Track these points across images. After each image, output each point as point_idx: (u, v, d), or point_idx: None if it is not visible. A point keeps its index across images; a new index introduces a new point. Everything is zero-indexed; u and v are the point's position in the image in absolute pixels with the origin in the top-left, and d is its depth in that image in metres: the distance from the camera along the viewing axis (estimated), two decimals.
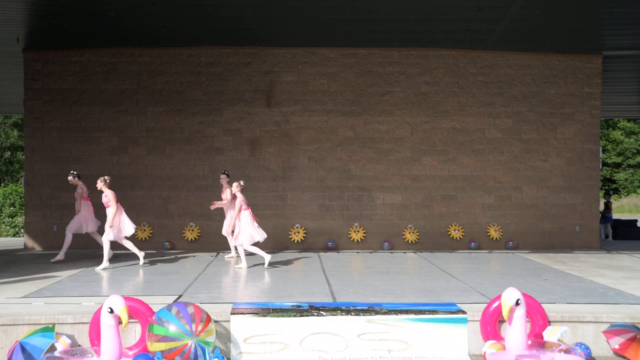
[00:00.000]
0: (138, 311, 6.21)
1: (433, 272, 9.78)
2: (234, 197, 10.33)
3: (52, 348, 6.01)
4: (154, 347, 5.86)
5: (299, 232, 13.16)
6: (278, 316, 6.41)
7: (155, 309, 6.27)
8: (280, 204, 13.28)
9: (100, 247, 10.37)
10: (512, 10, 11.35)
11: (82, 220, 10.95)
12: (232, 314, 6.42)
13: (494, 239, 13.37)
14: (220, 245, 13.10)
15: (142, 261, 10.42)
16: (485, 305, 6.72)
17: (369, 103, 13.37)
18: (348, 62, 13.37)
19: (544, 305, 6.71)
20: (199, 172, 13.21)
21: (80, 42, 12.92)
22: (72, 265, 10.26)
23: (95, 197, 11.09)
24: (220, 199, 11.38)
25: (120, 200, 13.09)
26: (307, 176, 13.30)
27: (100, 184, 10.12)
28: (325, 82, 13.32)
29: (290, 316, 6.41)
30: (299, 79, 13.31)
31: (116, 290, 7.78)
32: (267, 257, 10.10)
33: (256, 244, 10.06)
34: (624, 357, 6.36)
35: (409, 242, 13.24)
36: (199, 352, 5.85)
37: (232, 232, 10.37)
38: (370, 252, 12.66)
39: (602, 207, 16.96)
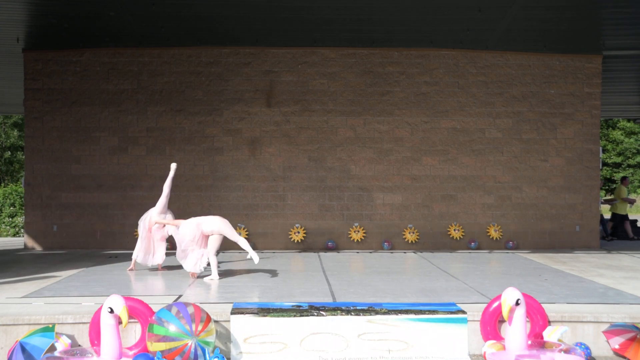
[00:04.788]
0: (138, 311, 6.22)
1: (433, 272, 9.78)
2: None
3: (52, 348, 6.01)
4: (154, 347, 5.86)
5: (299, 232, 13.16)
6: (278, 316, 6.41)
7: (155, 309, 6.27)
8: (280, 204, 13.27)
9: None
10: (512, 10, 11.34)
11: None
12: (232, 314, 6.42)
13: (494, 239, 13.37)
14: (220, 245, 13.06)
15: None
16: (485, 305, 6.72)
17: (369, 103, 13.37)
18: (348, 62, 13.37)
19: (544, 305, 6.70)
20: (199, 172, 13.21)
21: (80, 42, 12.92)
22: (72, 265, 10.26)
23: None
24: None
25: (120, 200, 13.16)
26: (307, 176, 13.30)
27: None
28: (325, 82, 13.32)
29: (290, 316, 6.42)
30: (299, 79, 13.31)
31: (116, 290, 7.77)
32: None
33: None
34: (624, 357, 6.36)
35: (409, 242, 13.24)
36: (199, 352, 5.85)
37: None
38: (370, 252, 12.66)
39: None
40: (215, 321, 6.33)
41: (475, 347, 6.48)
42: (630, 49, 13.36)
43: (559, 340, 6.24)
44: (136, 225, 13.07)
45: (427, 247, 13.29)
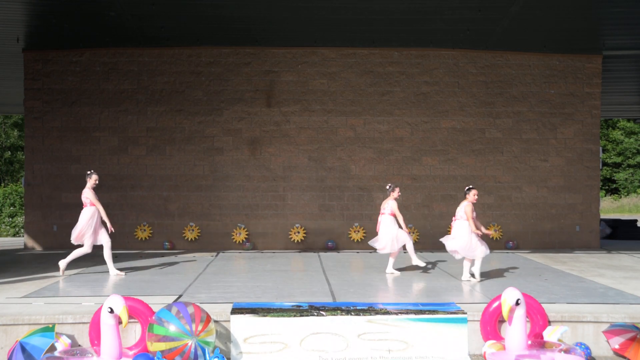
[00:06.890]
0: (138, 311, 6.21)
1: (433, 272, 9.78)
2: None
3: (52, 348, 6.01)
4: (154, 347, 5.86)
5: (299, 232, 13.16)
6: (278, 316, 6.41)
7: (155, 309, 6.27)
8: (280, 204, 13.27)
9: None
10: (512, 10, 11.35)
11: None
12: (232, 313, 6.42)
13: (494, 239, 13.36)
14: (220, 245, 13.10)
15: None
16: (485, 305, 6.72)
17: (369, 103, 13.36)
18: (348, 62, 13.37)
19: (544, 305, 6.71)
20: (199, 172, 13.21)
21: (80, 42, 12.92)
22: (72, 265, 10.24)
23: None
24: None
25: (121, 200, 13.15)
26: (307, 176, 13.30)
27: None
28: (325, 82, 13.32)
29: (290, 316, 6.41)
30: (299, 79, 13.31)
31: (116, 290, 7.78)
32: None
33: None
34: (624, 357, 6.36)
35: None
36: (199, 352, 5.85)
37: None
38: (370, 252, 12.63)
39: None
40: (215, 321, 6.33)
41: (475, 347, 6.48)
42: (630, 49, 13.37)
43: (559, 340, 6.24)
44: (136, 225, 13.12)
45: (427, 247, 13.27)
